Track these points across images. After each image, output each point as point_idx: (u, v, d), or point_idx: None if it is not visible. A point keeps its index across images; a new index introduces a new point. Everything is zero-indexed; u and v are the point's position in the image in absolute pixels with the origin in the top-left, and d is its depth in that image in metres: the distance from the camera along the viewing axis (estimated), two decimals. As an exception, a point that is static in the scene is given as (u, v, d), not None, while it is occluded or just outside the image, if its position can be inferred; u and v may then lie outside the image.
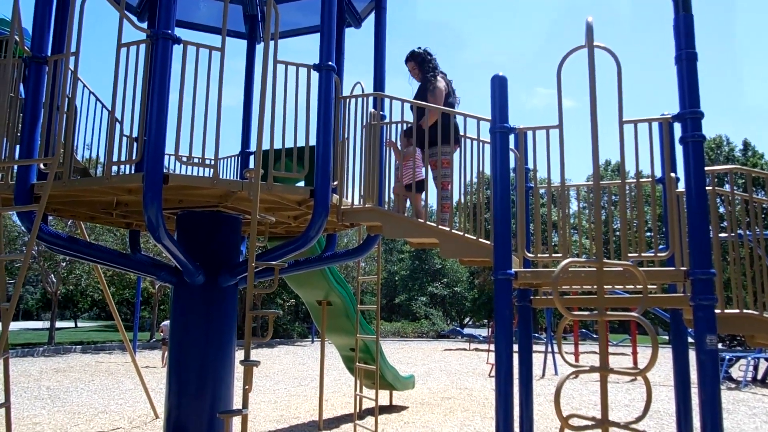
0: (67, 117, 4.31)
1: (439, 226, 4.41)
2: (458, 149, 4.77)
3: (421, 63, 5.14)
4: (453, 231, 4.35)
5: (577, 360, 16.78)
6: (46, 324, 24.95)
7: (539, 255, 4.27)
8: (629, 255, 3.84)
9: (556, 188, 4.91)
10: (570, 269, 3.63)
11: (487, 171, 4.43)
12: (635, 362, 15.76)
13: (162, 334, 18.48)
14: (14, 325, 34.29)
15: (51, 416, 9.00)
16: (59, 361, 18.16)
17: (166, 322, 17.93)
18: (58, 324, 30.82)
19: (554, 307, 4.60)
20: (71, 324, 48.72)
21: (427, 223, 4.40)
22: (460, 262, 4.89)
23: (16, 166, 4.39)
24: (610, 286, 4.79)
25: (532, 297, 4.92)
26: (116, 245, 22.85)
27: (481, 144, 4.51)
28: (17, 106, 4.58)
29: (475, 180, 4.67)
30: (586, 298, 5.00)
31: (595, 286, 4.11)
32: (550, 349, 16.34)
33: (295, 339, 32.43)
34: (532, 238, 4.77)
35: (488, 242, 4.29)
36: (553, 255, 4.21)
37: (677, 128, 3.69)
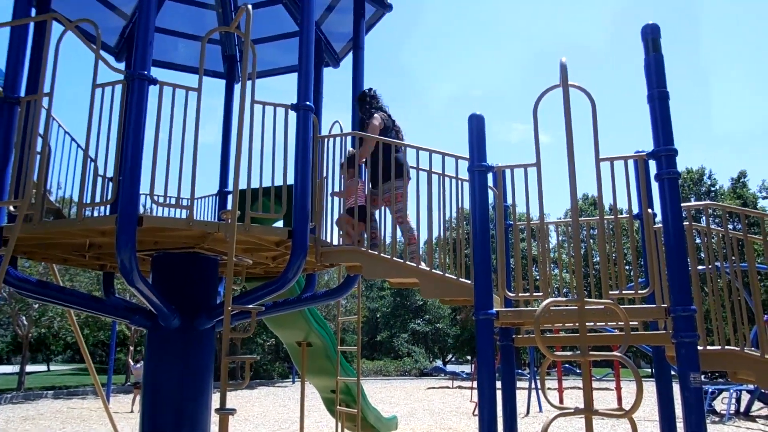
0: (40, 158, 4.23)
1: (420, 266, 4.36)
2: (409, 182, 4.82)
3: (361, 102, 5.30)
4: (433, 271, 4.31)
5: (561, 397, 16.60)
6: (16, 368, 24.09)
7: (520, 294, 4.24)
8: (610, 292, 3.82)
9: (535, 225, 4.91)
10: (551, 308, 3.60)
11: (466, 207, 4.43)
12: (619, 399, 15.64)
13: (135, 377, 17.89)
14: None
15: (17, 468, 8.60)
16: (29, 408, 17.50)
17: (138, 365, 17.38)
18: (30, 368, 29.82)
19: (536, 345, 4.56)
20: (44, 368, 47.18)
21: (407, 263, 4.35)
22: (441, 301, 4.84)
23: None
24: (592, 323, 4.76)
25: (514, 336, 4.88)
26: (91, 285, 22.34)
27: (459, 182, 4.51)
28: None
29: (454, 216, 4.65)
30: (568, 337, 4.96)
31: (577, 324, 4.09)
32: (534, 386, 16.18)
33: (275, 380, 31.77)
34: (513, 275, 4.75)
35: (469, 282, 4.25)
36: (534, 294, 4.18)
37: (653, 164, 3.74)
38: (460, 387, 26.28)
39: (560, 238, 5.88)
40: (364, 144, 4.74)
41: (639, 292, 3.97)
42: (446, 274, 4.33)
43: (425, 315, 44.40)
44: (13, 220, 4.29)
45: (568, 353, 3.72)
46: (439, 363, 44.29)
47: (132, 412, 15.66)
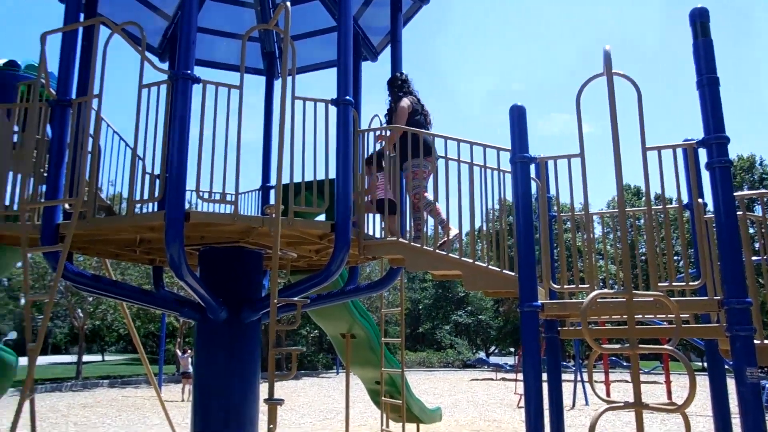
0: (92, 157, 4.38)
1: (462, 259, 4.34)
2: (431, 164, 4.80)
3: (391, 86, 5.30)
4: (476, 263, 4.28)
5: (608, 390, 16.31)
6: (74, 358, 25.16)
7: (565, 286, 4.17)
8: (659, 284, 3.73)
9: (579, 215, 4.82)
10: (598, 300, 3.53)
11: (508, 198, 4.38)
12: (669, 393, 15.25)
13: (182, 367, 18.39)
14: (43, 359, 34.71)
15: (77, 454, 9.00)
16: (87, 395, 18.25)
17: (186, 355, 17.91)
18: (86, 358, 31.03)
19: (582, 338, 4.48)
20: (99, 357, 49.13)
21: (450, 255, 4.33)
22: (484, 293, 4.80)
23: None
24: (641, 315, 4.65)
25: (559, 328, 4.80)
26: (142, 279, 23.08)
27: (501, 174, 4.46)
28: (43, 148, 4.67)
29: (497, 207, 4.61)
30: (616, 329, 4.86)
31: (624, 316, 4.00)
32: (579, 378, 15.93)
33: (319, 370, 32.21)
34: (557, 266, 4.68)
35: (513, 273, 4.21)
36: (580, 286, 4.11)
37: (702, 153, 3.61)
38: (504, 379, 26.10)
39: (605, 230, 5.75)
40: (391, 134, 4.75)
41: (690, 283, 3.86)
42: (489, 266, 4.30)
43: (467, 307, 44.20)
44: (68, 217, 4.46)
45: (616, 346, 3.65)
46: (482, 355, 44.08)
47: (183, 400, 16.14)
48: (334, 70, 4.65)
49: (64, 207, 4.44)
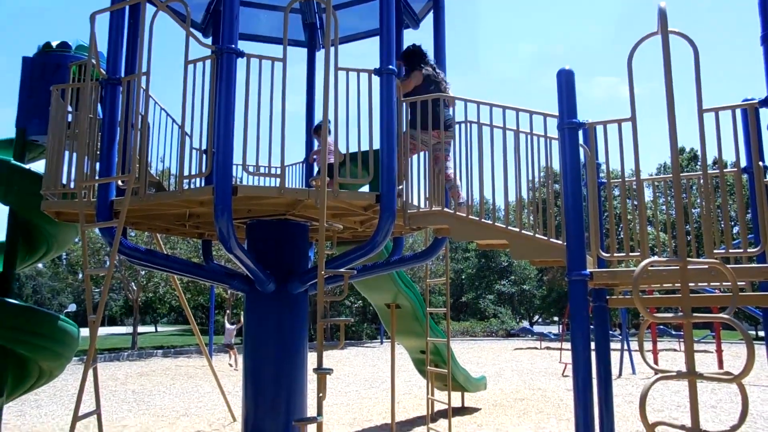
0: (141, 134, 4.48)
1: (508, 228, 4.29)
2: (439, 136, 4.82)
3: (406, 58, 5.24)
4: (523, 232, 4.23)
5: (656, 359, 16.07)
6: (129, 329, 26.28)
7: (615, 254, 4.09)
8: (714, 251, 3.61)
9: (630, 182, 4.69)
10: (650, 268, 3.45)
11: (553, 166, 4.30)
12: (720, 362, 14.92)
13: (227, 338, 18.97)
14: (100, 331, 36.26)
15: (137, 419, 9.44)
16: (142, 365, 19.05)
17: (231, 327, 18.48)
18: (140, 329, 32.34)
19: (632, 306, 4.40)
20: (152, 329, 51.15)
21: (496, 224, 4.29)
22: (530, 262, 4.75)
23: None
24: (694, 284, 4.53)
25: (608, 297, 4.73)
26: (190, 253, 23.77)
27: (548, 140, 4.36)
28: (95, 127, 4.80)
29: (543, 175, 4.53)
30: (667, 298, 4.75)
31: (674, 284, 3.90)
32: (626, 347, 15.73)
33: (364, 340, 32.72)
34: (605, 234, 4.58)
35: (560, 242, 4.14)
36: (631, 254, 4.02)
37: (764, 113, 3.45)
38: (548, 348, 25.98)
39: (656, 195, 5.58)
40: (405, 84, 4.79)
41: (748, 250, 3.73)
42: (536, 235, 4.24)
43: (511, 276, 43.99)
44: (121, 194, 4.60)
45: (669, 314, 3.57)
46: (525, 324, 43.94)
47: (236, 369, 16.65)
48: (375, 39, 4.61)
49: (118, 184, 4.58)
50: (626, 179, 4.14)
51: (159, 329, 52.31)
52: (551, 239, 4.22)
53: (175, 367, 18.16)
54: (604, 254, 4.13)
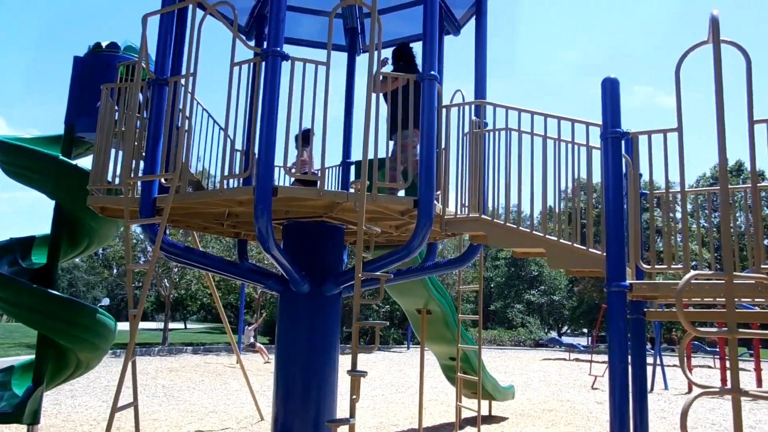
0: (182, 134, 4.58)
1: (547, 236, 4.26)
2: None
3: (395, 56, 5.33)
4: (562, 241, 4.19)
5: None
6: (160, 325, 26.79)
7: (657, 266, 4.02)
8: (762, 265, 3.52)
9: (673, 194, 4.61)
10: (692, 281, 3.38)
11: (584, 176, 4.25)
12: (759, 381, 14.50)
13: (249, 338, 19.48)
14: (132, 326, 37.06)
15: (167, 414, 9.60)
16: (172, 360, 19.37)
17: (249, 327, 19.04)
18: (170, 325, 32.93)
19: (671, 320, 4.31)
20: (181, 325, 51.97)
21: (534, 232, 4.26)
22: (567, 272, 4.70)
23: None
24: (737, 299, 4.42)
25: (645, 309, 4.65)
26: (222, 252, 24.13)
27: (589, 149, 4.32)
28: (142, 125, 4.93)
29: (579, 184, 4.48)
30: (711, 312, 4.64)
31: (717, 299, 3.81)
32: (659, 362, 15.39)
33: (390, 345, 32.69)
34: (646, 246, 4.51)
35: (599, 252, 4.10)
36: (672, 266, 3.94)
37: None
38: (577, 359, 25.58)
39: (699, 207, 5.46)
40: (383, 82, 4.75)
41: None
42: (575, 245, 4.20)
43: (540, 285, 43.48)
44: (164, 191, 4.71)
45: (712, 329, 3.50)
46: (554, 334, 43.36)
47: (266, 362, 17.08)
48: (417, 44, 4.63)
49: (161, 181, 4.68)
50: (670, 191, 4.07)
51: (188, 326, 53.16)
52: (590, 249, 4.17)
53: (204, 364, 18.42)
54: (645, 266, 4.07)
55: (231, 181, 4.77)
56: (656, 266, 4.06)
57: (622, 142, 3.96)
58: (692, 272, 3.07)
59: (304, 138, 5.00)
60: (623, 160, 4.02)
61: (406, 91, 4.46)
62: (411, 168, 4.67)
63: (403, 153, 4.75)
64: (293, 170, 4.87)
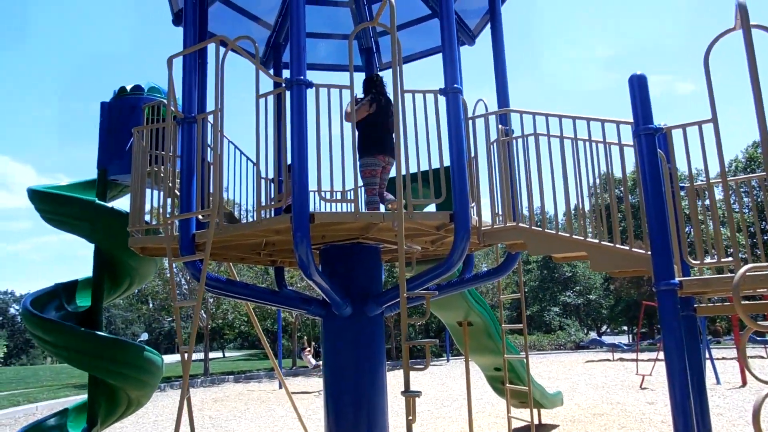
0: (217, 169, 4.64)
1: (587, 239, 4.20)
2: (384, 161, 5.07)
3: (365, 84, 5.47)
4: (603, 243, 4.12)
5: (743, 369, 15.20)
6: (200, 355, 27.05)
7: (706, 261, 3.93)
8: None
9: (702, 185, 4.51)
10: (748, 274, 3.29)
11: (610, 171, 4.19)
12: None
13: (310, 362, 19.89)
14: (172, 358, 37.46)
15: (217, 445, 9.65)
16: (216, 390, 19.50)
17: (304, 352, 19.48)
18: (210, 354, 33.24)
19: (725, 314, 4.20)
20: (220, 354, 52.38)
21: (575, 237, 4.21)
22: (610, 274, 4.62)
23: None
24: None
25: (695, 305, 4.54)
26: (254, 279, 24.32)
27: (620, 148, 4.26)
28: (174, 164, 5.02)
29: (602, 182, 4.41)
30: (760, 304, 4.51)
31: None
32: (708, 356, 14.97)
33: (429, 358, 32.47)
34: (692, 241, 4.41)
35: (643, 252, 4.02)
36: (722, 260, 3.85)
37: None
38: (621, 359, 25.06)
39: (740, 195, 5.33)
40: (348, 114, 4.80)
41: None
42: (617, 246, 4.13)
43: (575, 286, 42.85)
44: (200, 226, 4.78)
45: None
46: (594, 335, 42.61)
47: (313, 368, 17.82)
48: (429, 59, 4.64)
49: (198, 218, 4.75)
50: (712, 180, 3.99)
51: (227, 354, 53.56)
52: (633, 249, 4.10)
53: (247, 392, 18.50)
54: (693, 261, 3.97)
55: (266, 211, 4.81)
56: (705, 261, 3.96)
57: (656, 137, 3.90)
58: (748, 265, 2.99)
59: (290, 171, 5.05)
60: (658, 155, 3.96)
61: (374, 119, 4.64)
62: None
63: (375, 177, 4.99)
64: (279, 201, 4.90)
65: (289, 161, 4.36)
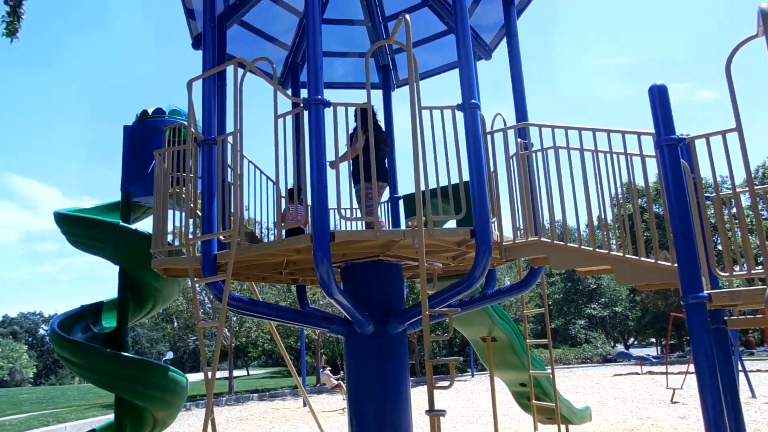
0: (238, 190, 4.68)
1: (611, 253, 4.13)
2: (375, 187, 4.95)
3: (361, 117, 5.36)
4: (628, 256, 4.06)
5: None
6: (224, 373, 27.15)
7: (734, 272, 3.83)
8: None
9: (727, 195, 4.42)
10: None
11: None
12: None
13: (330, 382, 19.67)
14: (197, 376, 37.63)
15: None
16: (240, 409, 19.51)
17: (324, 372, 19.37)
18: (234, 373, 33.34)
19: (758, 326, 4.08)
20: (244, 372, 52.49)
21: (598, 250, 4.14)
22: (636, 287, 4.54)
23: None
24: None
25: (726, 318, 4.43)
26: (276, 297, 24.41)
27: (641, 159, 4.20)
28: (196, 186, 5.07)
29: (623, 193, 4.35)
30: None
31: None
32: (741, 368, 14.57)
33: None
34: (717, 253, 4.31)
35: (668, 264, 3.94)
36: (753, 271, 3.75)
37: None
38: (650, 372, 24.52)
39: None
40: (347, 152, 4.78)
41: None
42: (642, 259, 4.05)
43: (600, 298, 42.18)
44: (222, 247, 4.81)
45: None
46: (621, 347, 41.82)
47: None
48: (445, 75, 4.64)
49: (219, 238, 4.79)
50: (738, 189, 3.90)
51: (251, 372, 53.65)
52: (659, 261, 4.02)
53: (272, 410, 18.47)
54: (722, 273, 3.88)
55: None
56: (734, 272, 3.87)
57: (678, 148, 3.84)
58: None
59: (290, 196, 5.04)
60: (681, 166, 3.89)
61: (366, 149, 4.60)
62: (363, 213, 4.95)
63: (365, 201, 4.95)
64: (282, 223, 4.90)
65: (290, 185, 4.39)
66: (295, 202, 4.85)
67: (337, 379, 19.83)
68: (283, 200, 4.40)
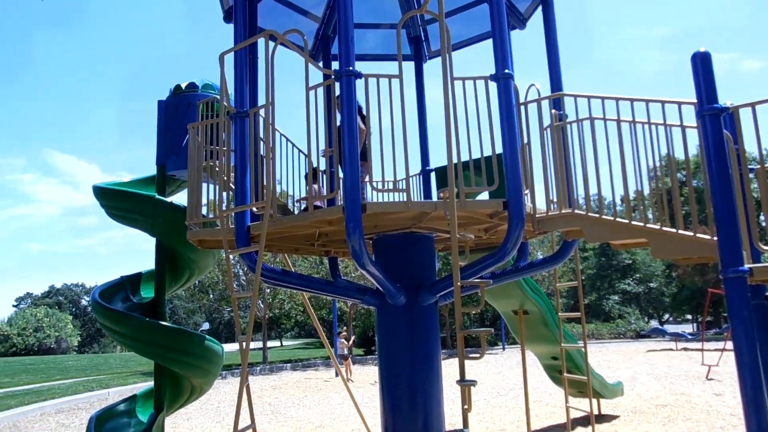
0: (270, 162, 4.71)
1: (648, 225, 4.04)
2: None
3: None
4: (665, 229, 3.97)
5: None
6: (258, 344, 27.78)
7: (777, 246, 3.71)
8: None
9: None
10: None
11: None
12: None
13: (343, 350, 19.63)
14: (231, 347, 38.58)
15: (278, 430, 9.89)
16: (274, 378, 20.00)
17: (340, 339, 19.36)
18: (268, 344, 34.07)
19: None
20: (277, 343, 53.62)
21: (634, 223, 4.06)
22: (674, 261, 4.45)
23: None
24: None
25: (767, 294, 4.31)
26: (309, 269, 24.72)
27: (683, 129, 4.07)
28: (229, 159, 5.12)
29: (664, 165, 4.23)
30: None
31: None
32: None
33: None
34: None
35: (707, 237, 3.84)
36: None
37: None
38: (685, 349, 24.20)
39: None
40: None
41: None
42: (680, 231, 3.96)
43: (635, 274, 41.57)
44: (255, 219, 4.87)
45: None
46: (656, 323, 41.26)
47: (351, 381, 17.16)
48: (477, 46, 4.55)
49: (252, 210, 4.84)
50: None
51: (284, 343, 54.78)
52: (698, 234, 3.92)
53: (304, 380, 18.88)
54: (765, 247, 3.77)
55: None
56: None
57: (721, 118, 3.70)
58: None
59: (314, 175, 5.06)
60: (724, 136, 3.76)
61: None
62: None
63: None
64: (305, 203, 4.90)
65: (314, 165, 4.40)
66: (317, 182, 4.87)
67: (349, 348, 19.75)
68: (315, 172, 4.42)
